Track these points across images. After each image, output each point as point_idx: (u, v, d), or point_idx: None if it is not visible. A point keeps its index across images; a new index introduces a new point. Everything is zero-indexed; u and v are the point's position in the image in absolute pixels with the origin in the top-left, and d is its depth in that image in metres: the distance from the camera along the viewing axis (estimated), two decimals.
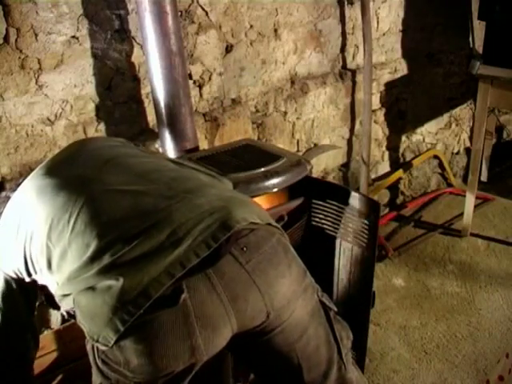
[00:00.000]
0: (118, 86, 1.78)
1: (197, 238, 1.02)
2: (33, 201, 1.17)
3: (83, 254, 1.04)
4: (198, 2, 1.90)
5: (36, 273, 1.16)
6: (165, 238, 1.03)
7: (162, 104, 1.69)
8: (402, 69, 2.77)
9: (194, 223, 1.04)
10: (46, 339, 1.74)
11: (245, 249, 1.06)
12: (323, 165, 2.57)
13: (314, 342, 1.15)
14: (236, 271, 1.04)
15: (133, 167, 1.21)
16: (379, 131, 2.79)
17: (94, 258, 1.03)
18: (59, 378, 1.77)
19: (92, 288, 1.01)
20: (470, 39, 2.84)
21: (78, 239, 1.06)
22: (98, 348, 1.02)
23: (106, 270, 1.01)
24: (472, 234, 2.75)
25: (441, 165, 3.19)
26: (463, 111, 3.23)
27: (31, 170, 1.64)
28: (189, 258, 1.00)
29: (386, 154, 2.90)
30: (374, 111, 2.66)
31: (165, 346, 0.98)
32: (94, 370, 1.05)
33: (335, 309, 1.22)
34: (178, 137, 1.73)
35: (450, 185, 3.23)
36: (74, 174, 1.19)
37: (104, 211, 1.09)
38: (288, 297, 1.10)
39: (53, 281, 1.12)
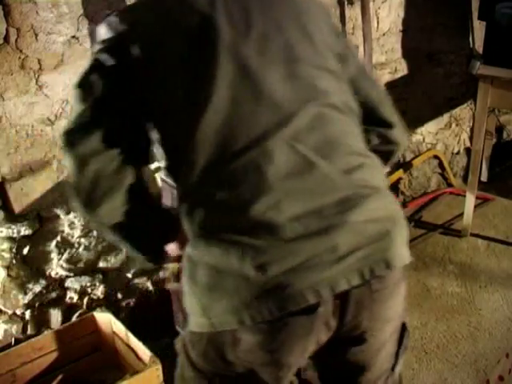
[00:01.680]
0: None
1: (354, 264, 0.94)
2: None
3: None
4: None
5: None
6: (329, 249, 0.93)
7: None
8: (402, 69, 2.77)
9: (361, 244, 0.95)
10: (46, 339, 1.74)
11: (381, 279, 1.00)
12: None
13: (383, 356, 1.14)
14: (365, 296, 1.00)
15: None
16: None
17: (246, 201, 0.92)
18: (59, 377, 1.76)
19: (220, 259, 0.91)
20: (470, 39, 2.84)
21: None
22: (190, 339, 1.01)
23: (253, 232, 0.91)
24: (472, 234, 2.74)
25: (441, 165, 3.19)
26: (463, 111, 3.23)
27: (31, 169, 1.66)
28: (338, 282, 0.93)
29: None
30: None
31: (281, 348, 0.96)
32: (186, 364, 1.05)
33: (409, 329, 1.23)
34: None
35: (450, 185, 3.22)
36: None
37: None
38: (387, 322, 1.11)
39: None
